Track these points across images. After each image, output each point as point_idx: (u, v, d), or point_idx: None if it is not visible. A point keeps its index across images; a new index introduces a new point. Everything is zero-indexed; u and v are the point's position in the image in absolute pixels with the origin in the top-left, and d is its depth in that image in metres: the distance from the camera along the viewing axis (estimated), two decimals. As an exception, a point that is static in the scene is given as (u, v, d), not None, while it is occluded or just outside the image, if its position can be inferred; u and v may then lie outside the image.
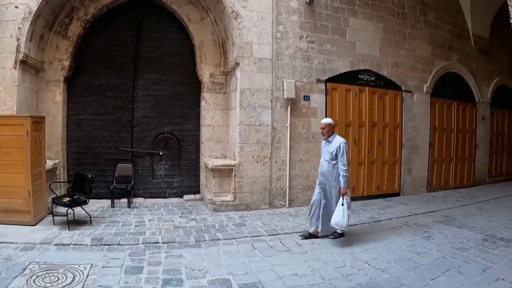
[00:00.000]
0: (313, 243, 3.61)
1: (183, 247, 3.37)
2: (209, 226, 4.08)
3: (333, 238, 3.66)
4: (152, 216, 4.52)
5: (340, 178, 3.55)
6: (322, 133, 3.74)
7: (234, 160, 5.09)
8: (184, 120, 5.80)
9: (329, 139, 3.70)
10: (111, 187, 4.97)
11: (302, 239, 3.69)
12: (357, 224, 4.34)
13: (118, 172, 5.27)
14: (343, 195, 3.51)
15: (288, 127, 5.11)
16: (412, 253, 3.38)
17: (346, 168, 3.57)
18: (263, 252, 3.33)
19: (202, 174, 5.71)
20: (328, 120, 3.77)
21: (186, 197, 5.62)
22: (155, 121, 5.66)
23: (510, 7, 9.90)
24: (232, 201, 4.89)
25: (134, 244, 3.40)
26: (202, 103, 5.73)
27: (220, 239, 3.64)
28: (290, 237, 3.78)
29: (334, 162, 3.60)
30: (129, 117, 5.55)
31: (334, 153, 3.58)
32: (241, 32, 4.94)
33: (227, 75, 5.76)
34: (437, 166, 6.88)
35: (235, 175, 4.88)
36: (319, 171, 3.77)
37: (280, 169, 5.10)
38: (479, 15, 8.08)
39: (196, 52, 5.64)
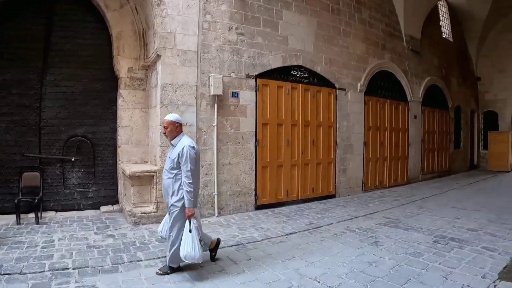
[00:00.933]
0: (250, 259, 3.58)
1: (97, 273, 3.23)
2: (128, 244, 4.00)
3: (161, 274, 3.15)
4: (63, 233, 4.34)
5: (184, 195, 3.03)
6: (164, 133, 3.28)
7: (155, 165, 5.11)
8: (99, 121, 5.68)
9: (172, 142, 3.23)
10: (16, 200, 4.70)
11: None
12: (296, 232, 4.54)
13: (24, 182, 5.02)
14: (189, 218, 3.03)
15: (215, 127, 5.33)
16: (363, 263, 3.45)
17: (191, 181, 3.03)
18: (192, 274, 3.20)
19: (120, 182, 5.62)
20: (171, 117, 3.27)
21: (103, 208, 5.48)
22: (66, 122, 5.47)
23: (440, 11, 11.74)
24: (154, 212, 4.91)
25: (39, 272, 3.19)
26: (119, 101, 5.64)
27: (141, 260, 3.56)
28: (224, 252, 3.73)
29: (174, 172, 3.12)
30: (36, 117, 5.30)
31: (175, 160, 3.09)
32: (164, 21, 5.00)
33: (147, 70, 5.75)
34: (372, 165, 7.84)
35: (156, 183, 4.91)
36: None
37: (207, 174, 5.29)
38: (411, 16, 9.48)
39: (114, 43, 5.56)
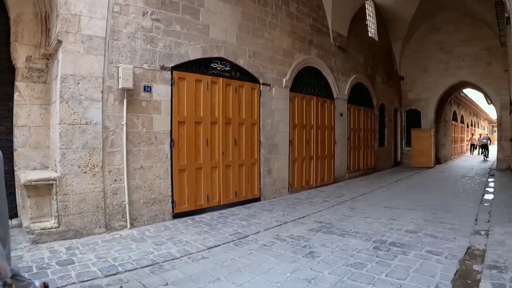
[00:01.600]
0: (166, 284, 3.32)
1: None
2: (24, 270, 3.53)
3: None
4: None
5: None
6: None
7: (56, 171, 4.80)
8: (-8, 120, 5.12)
9: None
10: None
11: None
12: (219, 245, 4.39)
13: None
14: None
15: (124, 126, 5.18)
16: (301, 282, 3.32)
17: None
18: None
19: (18, 192, 5.14)
20: None
21: (-1, 224, 4.90)
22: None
23: (367, 10, 12.94)
24: (56, 227, 4.59)
25: None
26: (15, 96, 5.15)
27: (36, 293, 3.22)
28: (135, 275, 3.52)
29: None
30: None
31: None
32: (67, 1, 4.70)
33: (48, 59, 5.34)
34: (298, 165, 8.42)
35: (57, 192, 4.60)
36: None
37: (116, 180, 5.14)
38: (339, 13, 10.37)
39: (12, 27, 5.05)
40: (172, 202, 5.69)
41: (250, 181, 7.03)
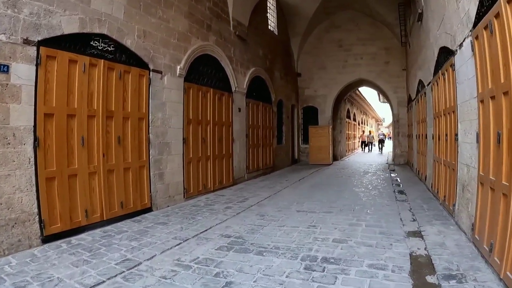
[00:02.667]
0: None
1: None
2: None
3: None
4: None
5: None
6: None
7: None
8: None
9: None
10: None
11: None
12: (104, 281, 3.60)
13: None
14: None
15: (-38, 118, 4.31)
16: None
17: None
18: None
19: None
20: None
21: None
22: None
23: (268, 2, 13.45)
24: None
25: None
26: None
27: None
28: None
29: None
30: None
31: None
32: None
33: None
34: (194, 166, 8.26)
35: None
36: None
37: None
38: (240, 1, 10.44)
39: None
40: (40, 221, 4.80)
41: (138, 189, 6.55)
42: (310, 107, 18.25)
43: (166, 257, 4.30)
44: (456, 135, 5.46)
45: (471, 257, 3.97)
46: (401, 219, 5.99)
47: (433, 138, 7.95)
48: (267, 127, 13.29)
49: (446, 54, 6.24)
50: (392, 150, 20.00)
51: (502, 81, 3.32)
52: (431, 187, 8.11)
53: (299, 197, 8.27)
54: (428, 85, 8.63)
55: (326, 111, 17.88)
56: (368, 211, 6.70)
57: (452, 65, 5.58)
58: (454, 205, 5.54)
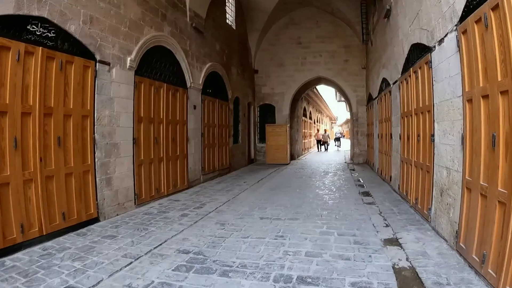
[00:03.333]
0: None
1: None
2: None
3: None
4: None
5: None
6: None
7: None
8: None
9: None
10: None
11: None
12: None
13: None
14: None
15: None
16: None
17: None
18: None
19: None
20: None
21: None
22: None
23: None
24: None
25: None
26: None
27: None
28: None
29: None
30: None
31: None
32: None
33: None
34: (145, 169, 7.66)
35: None
36: None
37: None
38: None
39: None
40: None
41: (83, 197, 5.84)
42: (267, 105, 18.05)
43: (115, 282, 3.73)
44: (432, 135, 5.35)
45: (458, 268, 3.81)
46: (373, 224, 5.81)
47: (400, 138, 7.92)
48: (223, 126, 12.86)
49: (419, 51, 6.16)
50: (350, 149, 20.30)
51: (500, 79, 3.15)
52: (398, 188, 8.09)
53: (261, 201, 7.92)
54: (394, 83, 8.62)
55: (283, 109, 17.75)
56: (336, 216, 6.49)
57: (428, 62, 5.48)
58: (430, 209, 5.45)
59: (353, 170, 14.30)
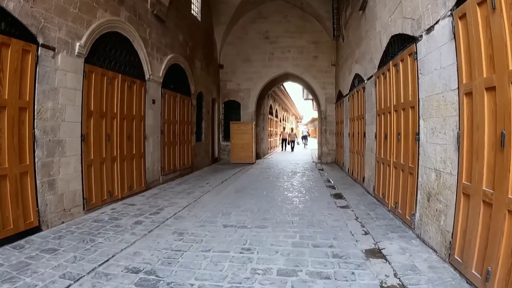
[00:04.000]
0: None
1: None
2: None
3: None
4: None
5: None
6: None
7: None
8: None
9: None
10: None
11: None
12: None
13: None
14: None
15: None
16: None
17: None
18: None
19: None
20: None
21: None
22: None
23: None
24: None
25: None
26: None
27: None
28: None
29: None
30: None
31: None
32: None
33: None
34: (96, 170, 6.96)
35: None
36: None
37: None
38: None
39: None
40: None
41: (20, 203, 5.06)
42: (233, 102, 17.56)
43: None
44: (417, 134, 5.04)
45: (455, 285, 3.46)
46: (351, 232, 5.43)
47: (376, 137, 7.65)
48: (186, 123, 12.23)
49: (401, 42, 5.86)
50: (318, 148, 20.15)
51: (511, 67, 2.80)
52: (373, 190, 7.84)
53: (224, 206, 7.38)
54: (369, 79, 8.37)
55: (249, 106, 17.32)
56: (309, 223, 6.04)
57: (413, 54, 5.17)
58: (413, 215, 5.15)
59: (322, 170, 14.08)
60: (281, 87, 23.50)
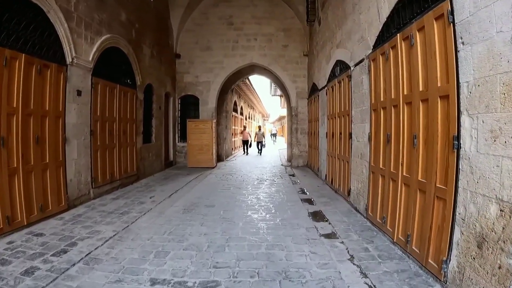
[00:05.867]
0: None
1: None
2: None
3: None
4: None
5: None
6: None
7: None
8: None
9: None
10: None
11: None
12: None
13: None
14: None
15: None
16: None
17: None
18: None
19: None
20: None
21: None
22: None
23: None
24: None
25: None
26: None
27: None
28: None
29: None
30: None
31: None
32: None
33: None
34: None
35: None
36: None
37: None
38: None
39: None
40: None
41: None
42: (190, 97, 15.65)
43: None
44: (456, 139, 3.36)
45: None
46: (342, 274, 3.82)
47: (369, 139, 6.05)
48: (129, 120, 10.22)
49: (421, 2, 4.17)
50: (287, 149, 18.54)
51: None
52: (366, 209, 6.19)
53: (163, 238, 5.45)
54: (358, 64, 6.75)
55: (209, 101, 15.46)
56: (284, 274, 4.08)
57: (446, 12, 3.50)
58: (444, 262, 3.49)
59: (293, 175, 12.48)
60: (247, 81, 21.62)
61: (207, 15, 15.36)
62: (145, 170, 11.63)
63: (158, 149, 13.20)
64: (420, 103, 4.15)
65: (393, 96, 5.00)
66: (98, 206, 7.50)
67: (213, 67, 15.29)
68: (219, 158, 17.40)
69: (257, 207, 7.67)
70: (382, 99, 5.46)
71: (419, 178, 4.17)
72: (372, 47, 5.90)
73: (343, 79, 8.10)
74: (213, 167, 14.74)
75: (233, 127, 23.28)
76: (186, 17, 15.09)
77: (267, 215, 6.93)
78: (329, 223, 6.16)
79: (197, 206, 7.67)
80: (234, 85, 18.97)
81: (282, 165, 16.32)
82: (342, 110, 8.18)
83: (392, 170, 5.02)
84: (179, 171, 13.47)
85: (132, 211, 7.12)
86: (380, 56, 5.44)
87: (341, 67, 8.32)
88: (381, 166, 5.48)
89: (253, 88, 25.38)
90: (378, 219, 5.55)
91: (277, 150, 26.57)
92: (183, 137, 15.52)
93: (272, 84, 22.13)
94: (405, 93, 4.61)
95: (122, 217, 6.63)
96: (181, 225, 6.20)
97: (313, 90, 13.09)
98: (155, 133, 12.89)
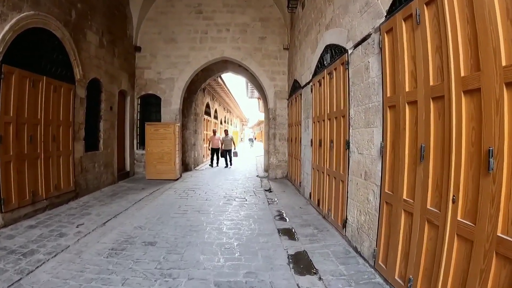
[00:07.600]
0: None
1: None
2: None
3: None
4: None
5: None
6: None
7: None
8: None
9: None
10: None
11: None
12: None
13: None
14: None
15: None
16: None
17: None
18: None
19: None
20: None
21: None
22: None
23: None
24: None
25: None
26: None
27: None
28: None
29: None
30: None
31: None
32: None
33: None
34: None
35: None
36: None
37: None
38: None
39: None
40: None
41: None
42: (152, 96, 13.76)
43: None
44: None
45: None
46: None
47: (381, 153, 4.30)
48: (62, 123, 8.29)
49: None
50: (264, 157, 16.77)
51: None
52: (375, 257, 4.37)
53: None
54: (360, 43, 5.06)
55: (172, 102, 13.58)
56: None
57: None
58: None
59: (270, 191, 10.73)
60: (219, 80, 19.73)
61: (173, 2, 13.59)
62: (88, 185, 9.71)
63: (108, 158, 11.25)
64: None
65: (432, 83, 3.24)
66: (2, 240, 5.60)
67: (177, 61, 13.47)
68: (186, 168, 15.57)
69: (216, 246, 5.67)
70: (407, 89, 3.68)
71: (498, 233, 2.41)
72: (386, 13, 4.19)
73: (335, 69, 6.37)
74: (176, 179, 12.90)
75: (205, 132, 21.43)
76: (148, 4, 13.30)
77: (227, 264, 4.93)
78: (320, 279, 4.30)
79: (132, 243, 5.72)
80: (204, 84, 17.06)
81: (257, 176, 14.60)
82: (335, 110, 6.43)
83: (430, 207, 3.22)
84: (133, 184, 11.57)
85: (41, 249, 5.20)
86: (403, 22, 3.73)
87: (333, 53, 6.60)
88: (405, 197, 3.68)
89: (227, 89, 23.46)
90: (397, 278, 3.77)
91: (254, 157, 24.80)
92: (143, 143, 13.62)
93: (248, 84, 20.13)
94: (463, 74, 2.81)
95: (21, 261, 4.70)
96: (94, 281, 4.25)
97: (295, 88, 11.40)
98: (104, 138, 10.95)
